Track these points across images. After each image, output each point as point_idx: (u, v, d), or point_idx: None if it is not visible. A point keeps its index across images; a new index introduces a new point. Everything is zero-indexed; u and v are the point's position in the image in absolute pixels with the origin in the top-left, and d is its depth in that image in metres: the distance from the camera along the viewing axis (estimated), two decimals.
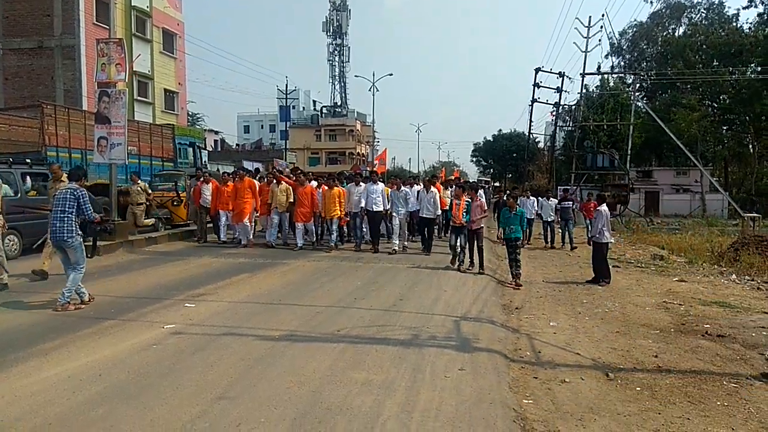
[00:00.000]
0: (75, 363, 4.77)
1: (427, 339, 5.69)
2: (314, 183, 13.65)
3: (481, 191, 14.72)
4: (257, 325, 6.07)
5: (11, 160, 11.45)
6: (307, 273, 9.84)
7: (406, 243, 13.19)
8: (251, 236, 13.41)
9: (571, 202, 15.73)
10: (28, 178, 11.59)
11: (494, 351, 5.39)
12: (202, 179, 14.32)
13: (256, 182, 13.76)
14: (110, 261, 10.65)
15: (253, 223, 13.94)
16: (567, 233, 15.63)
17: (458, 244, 10.41)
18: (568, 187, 20.23)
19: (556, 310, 7.74)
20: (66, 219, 6.80)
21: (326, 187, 13.04)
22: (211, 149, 45.20)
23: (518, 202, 12.83)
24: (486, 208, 10.09)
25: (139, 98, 28.38)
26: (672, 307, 8.17)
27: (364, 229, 13.60)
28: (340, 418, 3.74)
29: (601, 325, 6.90)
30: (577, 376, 4.96)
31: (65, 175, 8.53)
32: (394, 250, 12.55)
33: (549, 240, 16.11)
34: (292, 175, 14.25)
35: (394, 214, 12.86)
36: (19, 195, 11.17)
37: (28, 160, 11.93)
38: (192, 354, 5.07)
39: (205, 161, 22.66)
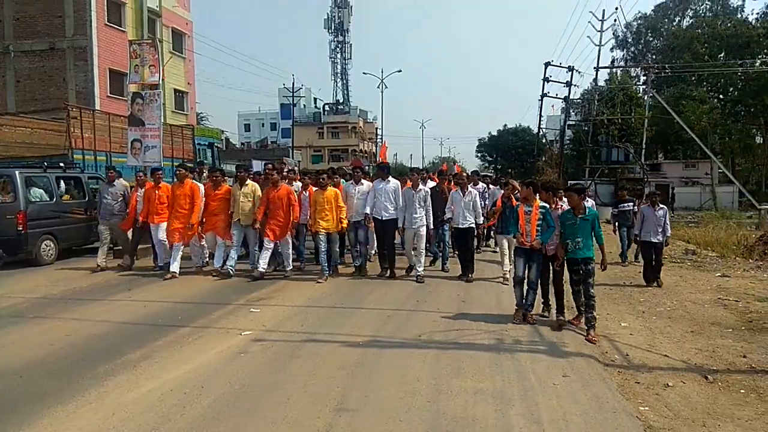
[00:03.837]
0: (169, 375, 4.66)
1: (513, 343, 5.60)
2: (298, 184, 10.16)
3: (480, 185, 11.77)
4: (335, 331, 5.97)
5: (46, 164, 11.32)
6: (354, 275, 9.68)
7: (421, 269, 9.12)
8: (203, 258, 9.89)
9: (632, 204, 11.97)
10: (62, 182, 11.47)
11: (587, 355, 5.31)
12: (136, 182, 10.34)
13: (200, 186, 9.79)
14: (149, 263, 10.36)
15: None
16: (627, 244, 11.98)
17: (527, 277, 6.58)
18: (638, 185, 16.84)
19: (617, 310, 7.64)
20: None
21: (314, 188, 9.36)
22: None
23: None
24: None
25: None
26: (729, 304, 8.09)
27: (370, 245, 10.08)
28: (472, 430, 3.65)
29: (673, 325, 6.81)
30: (677, 380, 4.87)
31: None
32: (417, 276, 9.00)
33: None
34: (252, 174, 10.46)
35: (407, 227, 9.03)
36: (54, 199, 11.06)
37: (62, 164, 11.80)
38: (285, 362, 4.98)
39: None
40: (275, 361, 5.03)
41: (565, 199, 6.92)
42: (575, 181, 18.45)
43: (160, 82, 11.89)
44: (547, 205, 6.65)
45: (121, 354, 5.20)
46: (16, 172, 10.51)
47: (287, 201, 9.05)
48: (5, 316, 6.71)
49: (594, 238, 6.31)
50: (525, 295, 6.54)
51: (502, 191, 12.32)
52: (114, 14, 25.90)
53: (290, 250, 9.35)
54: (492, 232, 12.49)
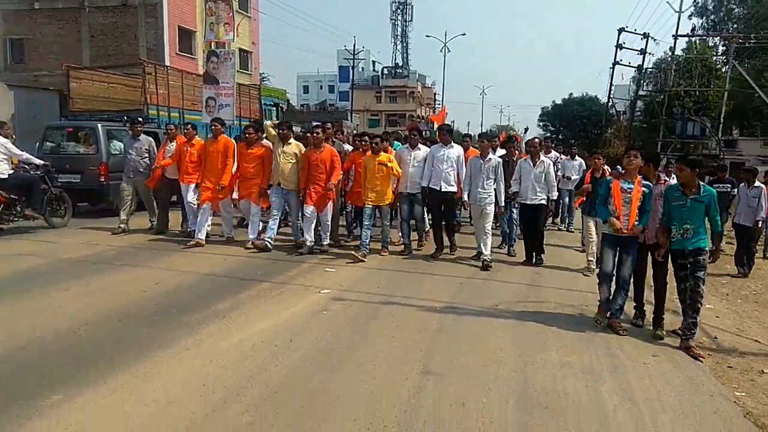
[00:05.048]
0: (257, 327, 4.81)
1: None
2: (348, 147, 9.40)
3: (553, 154, 11.31)
4: (410, 294, 6.00)
5: (126, 118, 11.71)
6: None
7: (487, 252, 7.76)
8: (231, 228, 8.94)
9: (729, 186, 9.81)
10: None
11: (675, 336, 5.13)
12: (167, 135, 9.56)
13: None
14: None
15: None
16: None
17: (618, 273, 5.31)
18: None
19: None
20: None
21: (365, 152, 8.25)
22: None
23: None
24: None
25: None
26: None
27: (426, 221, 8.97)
28: (565, 403, 3.61)
29: (761, 310, 6.54)
30: None
31: None
32: (484, 260, 7.66)
33: None
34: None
35: (472, 202, 7.96)
36: None
37: (140, 119, 12.15)
38: (365, 322, 5.06)
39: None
40: (355, 321, 5.11)
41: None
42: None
43: (234, 40, 11.99)
44: (651, 184, 5.27)
45: (208, 304, 5.40)
46: (99, 125, 10.97)
47: (330, 164, 7.97)
48: (96, 262, 7.08)
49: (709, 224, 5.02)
50: (613, 295, 5.32)
51: (574, 161, 11.62)
52: None
53: (329, 222, 8.25)
54: (560, 210, 12.14)
